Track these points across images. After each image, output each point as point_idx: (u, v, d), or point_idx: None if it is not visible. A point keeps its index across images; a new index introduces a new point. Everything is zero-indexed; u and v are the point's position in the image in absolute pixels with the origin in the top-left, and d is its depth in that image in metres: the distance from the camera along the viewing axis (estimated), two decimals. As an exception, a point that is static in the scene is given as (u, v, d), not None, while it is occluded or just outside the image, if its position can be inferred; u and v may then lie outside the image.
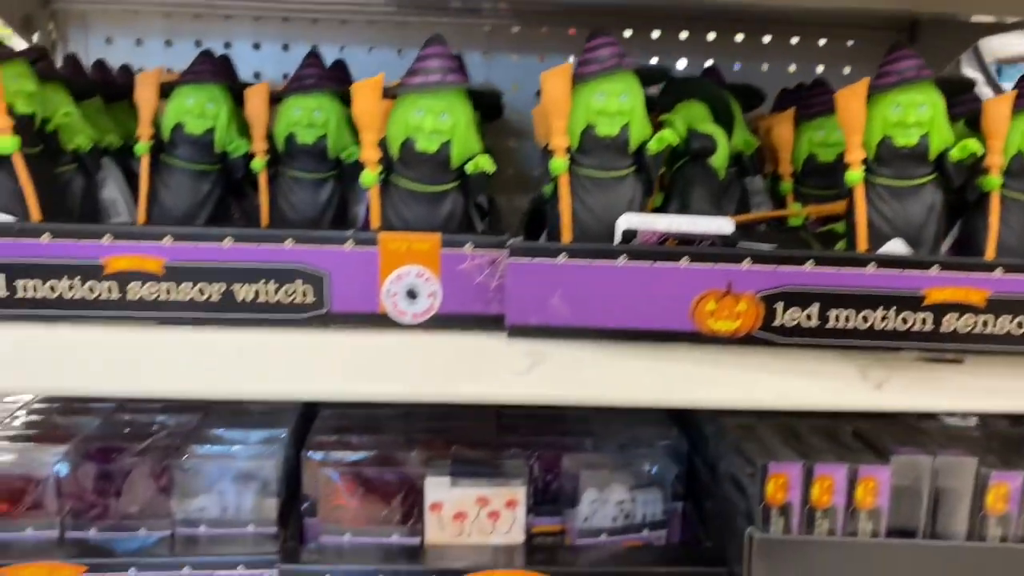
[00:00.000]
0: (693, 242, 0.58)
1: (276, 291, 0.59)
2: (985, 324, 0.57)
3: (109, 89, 0.79)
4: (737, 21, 1.01)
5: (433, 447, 0.75)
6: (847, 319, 0.57)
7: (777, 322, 0.57)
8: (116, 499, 0.72)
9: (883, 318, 0.57)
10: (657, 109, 0.68)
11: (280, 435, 0.76)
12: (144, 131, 0.69)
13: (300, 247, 0.58)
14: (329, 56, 0.77)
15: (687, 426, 0.84)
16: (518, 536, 0.73)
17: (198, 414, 0.82)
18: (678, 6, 0.97)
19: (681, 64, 1.01)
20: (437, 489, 0.71)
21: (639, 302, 0.57)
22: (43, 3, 0.95)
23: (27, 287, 0.58)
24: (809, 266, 0.56)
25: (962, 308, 0.57)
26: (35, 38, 0.95)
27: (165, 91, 0.70)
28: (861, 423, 0.73)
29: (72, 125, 0.69)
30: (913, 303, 0.57)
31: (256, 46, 0.99)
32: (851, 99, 0.61)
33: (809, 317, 0.57)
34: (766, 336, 0.57)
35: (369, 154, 0.60)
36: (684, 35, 1.01)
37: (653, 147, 0.60)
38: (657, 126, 0.63)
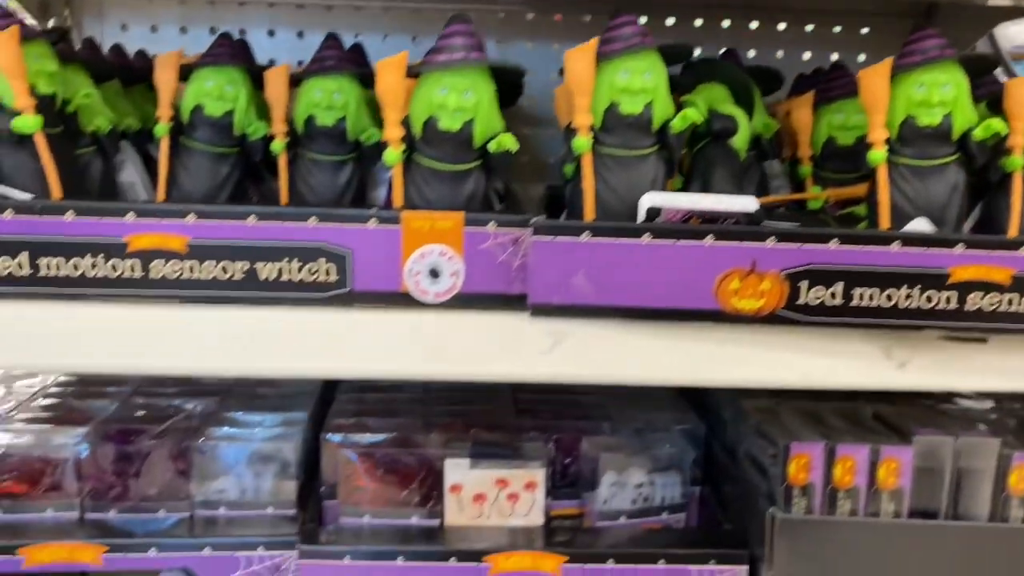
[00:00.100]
0: (717, 221, 0.58)
1: (299, 269, 0.59)
2: (1010, 303, 0.57)
3: (127, 73, 0.79)
4: (752, 8, 1.01)
5: (451, 430, 0.75)
6: (871, 297, 0.57)
7: (801, 300, 0.57)
8: (135, 481, 0.72)
9: (907, 296, 0.57)
10: (678, 91, 0.68)
11: (299, 418, 0.76)
12: (164, 113, 0.69)
13: (323, 225, 0.58)
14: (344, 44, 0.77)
15: (704, 411, 0.84)
16: (537, 518, 0.72)
17: (215, 398, 0.82)
18: (694, -7, 0.97)
19: (696, 52, 1.01)
20: (456, 471, 0.71)
21: (662, 281, 0.57)
22: (59, -11, 0.96)
23: (50, 265, 0.58)
24: (834, 244, 0.56)
25: (987, 287, 0.57)
26: (51, 25, 0.95)
27: (184, 74, 0.70)
28: (881, 406, 0.73)
29: (92, 107, 0.69)
30: (937, 281, 0.57)
31: (271, 33, 0.99)
32: (874, 78, 0.61)
33: (833, 295, 0.57)
34: (790, 315, 0.57)
35: (392, 132, 0.60)
36: (699, 22, 1.00)
37: (677, 125, 0.60)
38: (678, 107, 0.63)
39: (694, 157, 0.67)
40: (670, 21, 1.00)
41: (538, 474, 0.72)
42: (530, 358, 0.59)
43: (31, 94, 0.61)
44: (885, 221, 0.62)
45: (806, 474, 0.64)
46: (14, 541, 0.67)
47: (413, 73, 0.60)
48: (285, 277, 0.59)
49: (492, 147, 0.60)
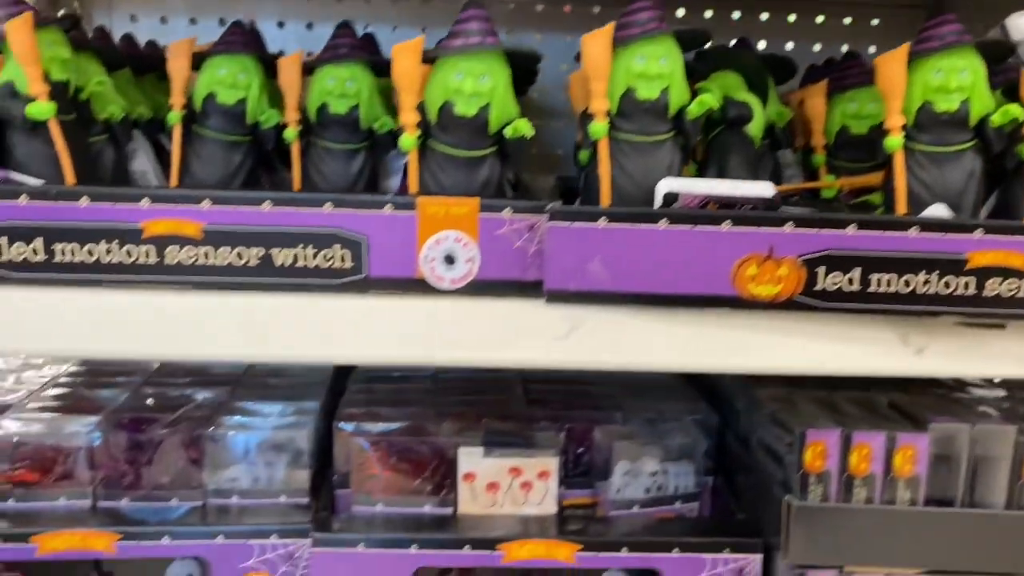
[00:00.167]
0: (734, 207, 0.57)
1: (314, 256, 0.58)
2: (1029, 289, 0.57)
3: (137, 62, 0.78)
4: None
5: (464, 419, 0.75)
6: (889, 283, 0.57)
7: (818, 287, 0.57)
8: (148, 470, 0.72)
9: (925, 282, 0.57)
10: (692, 78, 0.67)
11: (311, 407, 0.76)
12: (176, 100, 0.68)
13: (339, 211, 0.58)
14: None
15: (715, 402, 0.83)
16: (550, 507, 0.72)
17: (226, 388, 0.81)
18: (704, -17, 0.97)
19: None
20: (470, 459, 0.71)
21: (679, 266, 0.56)
22: (68, -20, 0.96)
23: (65, 251, 0.58)
24: (851, 230, 0.56)
25: (1005, 272, 0.56)
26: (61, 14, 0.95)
27: (196, 62, 0.69)
28: (896, 395, 0.73)
29: (104, 95, 0.68)
30: (955, 267, 0.56)
31: (280, 24, 0.99)
32: (892, 64, 0.60)
33: (851, 281, 0.57)
34: (807, 301, 0.57)
35: (408, 117, 0.60)
36: (709, 13, 1.00)
37: (694, 110, 0.59)
38: (692, 95, 0.62)
39: (709, 144, 0.67)
40: (680, 12, 1.00)
41: (551, 463, 0.72)
42: (546, 344, 0.58)
43: (44, 80, 0.60)
44: (902, 208, 0.61)
45: (822, 461, 0.64)
46: (27, 529, 0.67)
47: (429, 58, 0.59)
48: (300, 263, 0.58)
49: (508, 132, 0.59)
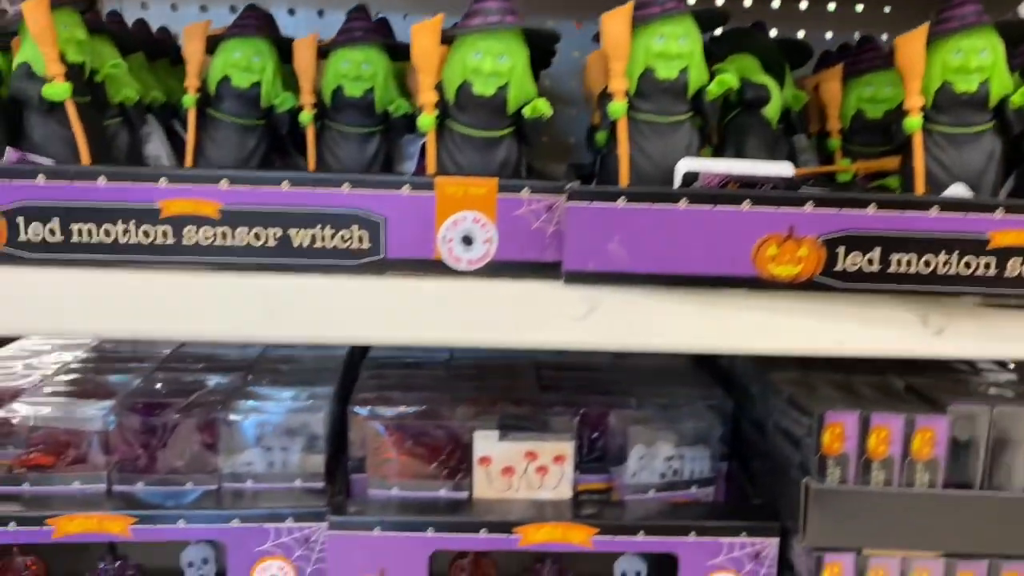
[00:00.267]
0: (754, 187, 0.57)
1: (332, 236, 0.58)
2: (1050, 269, 0.57)
3: (150, 48, 0.78)
4: (774, -14, 1.00)
5: (478, 404, 0.74)
6: (909, 264, 0.56)
7: (838, 267, 0.56)
8: (162, 454, 0.72)
9: (945, 263, 0.56)
10: (708, 61, 0.67)
11: (325, 391, 0.76)
12: (191, 83, 0.68)
13: (357, 192, 0.58)
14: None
15: (729, 388, 0.83)
16: (566, 492, 0.72)
17: (239, 374, 0.81)
18: (716, -30, 0.96)
19: (717, 31, 1.00)
20: (485, 443, 0.71)
21: (699, 247, 0.56)
22: (79, -34, 0.95)
23: (82, 231, 0.57)
24: (872, 210, 0.56)
25: (1027, 252, 0.56)
26: None
27: (210, 46, 0.69)
28: (912, 378, 0.72)
29: (119, 78, 0.68)
30: (976, 247, 0.56)
31: (291, 12, 0.99)
32: (911, 44, 0.60)
33: (871, 261, 0.56)
34: (827, 281, 0.57)
35: (427, 96, 0.59)
36: (721, 0, 1.00)
37: (713, 90, 0.59)
38: (710, 76, 0.62)
39: (726, 127, 0.67)
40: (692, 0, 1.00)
41: (567, 447, 0.71)
42: (564, 325, 0.58)
43: (61, 61, 0.60)
44: (920, 190, 0.61)
45: (840, 444, 0.64)
46: (43, 512, 0.67)
47: (447, 38, 0.59)
48: (318, 244, 0.58)
49: (527, 112, 0.59)
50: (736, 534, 0.68)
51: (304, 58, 0.67)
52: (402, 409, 0.72)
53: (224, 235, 0.58)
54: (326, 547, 0.68)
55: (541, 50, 0.62)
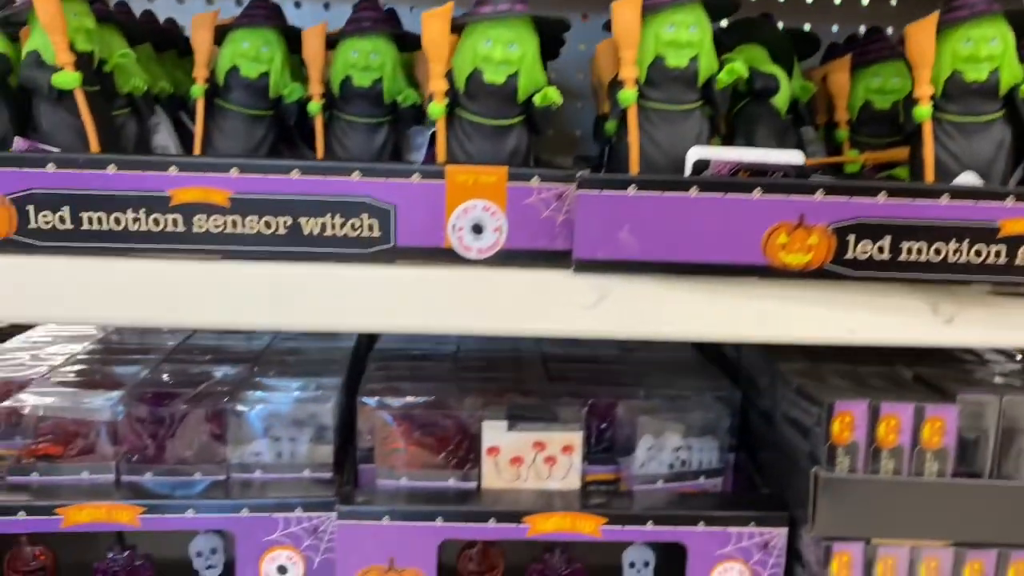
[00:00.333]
0: (764, 175, 0.57)
1: (342, 225, 0.58)
2: (1061, 257, 0.57)
3: (158, 39, 0.78)
4: (780, -21, 1.00)
5: (486, 395, 0.74)
6: (919, 251, 0.56)
7: (849, 255, 0.56)
8: (170, 444, 0.72)
9: (956, 251, 0.56)
10: (717, 51, 0.67)
11: (333, 382, 0.76)
12: (200, 73, 0.68)
13: (367, 180, 0.57)
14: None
15: (736, 381, 0.83)
16: (574, 482, 0.72)
17: (247, 365, 0.81)
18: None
19: (723, 24, 1.00)
20: (494, 433, 0.71)
21: (709, 235, 0.56)
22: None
23: (92, 219, 0.57)
24: (882, 198, 0.56)
25: (1037, 240, 0.56)
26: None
27: (219, 36, 0.69)
28: (921, 368, 0.72)
29: (128, 67, 0.68)
30: (987, 235, 0.56)
31: (297, 4, 0.99)
32: (921, 33, 0.60)
33: (881, 250, 0.56)
34: (837, 269, 0.57)
35: (437, 84, 0.59)
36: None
37: (723, 79, 0.59)
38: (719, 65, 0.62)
39: (735, 117, 0.67)
40: (698, -8, 0.99)
41: (575, 437, 0.71)
42: (574, 313, 0.58)
43: (70, 50, 0.60)
44: (930, 179, 0.61)
45: (850, 433, 0.64)
46: (52, 501, 0.67)
47: (457, 25, 0.59)
48: (328, 232, 0.58)
49: (537, 100, 0.59)
50: (745, 524, 0.68)
51: (313, 47, 0.67)
52: (410, 399, 0.72)
53: (234, 223, 0.58)
54: (335, 537, 0.68)
55: (550, 38, 0.62)
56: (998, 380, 0.71)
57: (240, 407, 0.72)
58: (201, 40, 0.68)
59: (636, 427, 0.72)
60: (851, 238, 0.56)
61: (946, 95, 0.61)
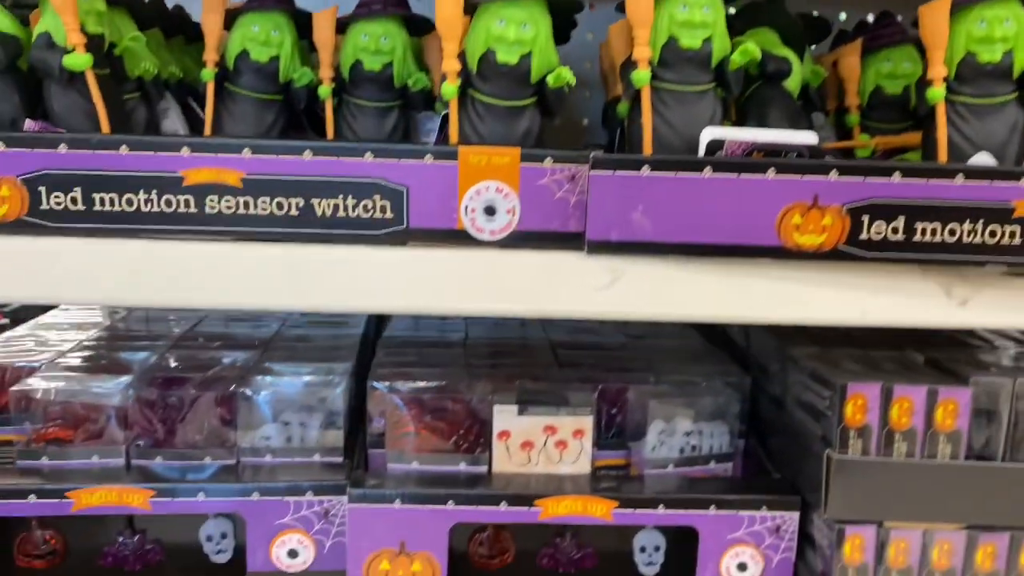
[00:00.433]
0: (778, 155, 0.57)
1: (355, 206, 0.58)
2: (1077, 238, 0.56)
3: (167, 23, 0.78)
4: (788, -33, 1.00)
5: (496, 379, 0.74)
6: (934, 232, 0.56)
7: (863, 236, 0.56)
8: (180, 428, 0.71)
9: (970, 231, 0.56)
10: (728, 34, 0.67)
11: (343, 367, 0.76)
12: (210, 57, 0.68)
13: (380, 161, 0.57)
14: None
15: (745, 368, 0.83)
16: (585, 466, 0.72)
17: (256, 351, 0.81)
18: (730, -49, 0.96)
19: (733, 8, 1.00)
20: (505, 417, 0.71)
21: (723, 216, 0.56)
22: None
23: (104, 200, 0.57)
24: (896, 178, 0.55)
25: (1052, 221, 0.56)
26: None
27: (228, 21, 0.69)
28: (930, 352, 0.72)
29: (138, 51, 0.68)
30: (1002, 216, 0.56)
31: (304, -8, 0.98)
32: (935, 14, 0.60)
33: (895, 230, 0.56)
34: (851, 250, 0.56)
35: (450, 64, 0.59)
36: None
37: (736, 60, 0.59)
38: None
39: (747, 100, 0.66)
40: (706, -20, 0.99)
41: (586, 421, 0.71)
42: (588, 295, 0.58)
43: (81, 32, 0.60)
44: (943, 161, 0.61)
45: (863, 415, 0.63)
46: (62, 485, 0.67)
47: (470, 6, 0.59)
48: (341, 214, 0.58)
49: (551, 80, 0.59)
50: (756, 508, 0.68)
51: (323, 31, 0.67)
52: (421, 384, 0.72)
53: (246, 204, 0.58)
54: (347, 520, 0.68)
55: (563, 20, 0.62)
56: (1008, 363, 0.71)
57: (250, 392, 0.72)
58: (211, 24, 0.68)
59: (647, 412, 0.72)
60: (865, 219, 0.56)
61: (959, 77, 0.61)
